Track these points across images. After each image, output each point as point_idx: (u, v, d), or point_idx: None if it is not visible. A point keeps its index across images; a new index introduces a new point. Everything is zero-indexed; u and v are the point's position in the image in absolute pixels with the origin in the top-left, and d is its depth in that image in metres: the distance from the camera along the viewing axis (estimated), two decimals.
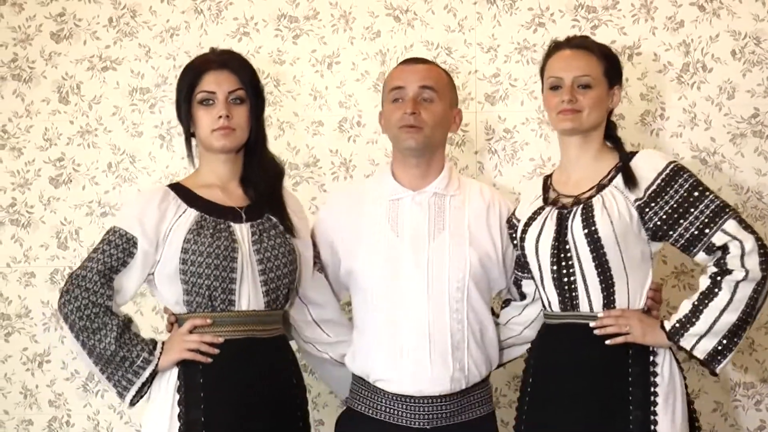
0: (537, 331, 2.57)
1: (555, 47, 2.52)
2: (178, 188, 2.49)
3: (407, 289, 2.48)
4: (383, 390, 2.50)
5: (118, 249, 2.39)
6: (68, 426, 3.25)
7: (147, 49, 3.26)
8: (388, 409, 2.50)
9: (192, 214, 2.42)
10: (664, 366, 2.36)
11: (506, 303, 2.68)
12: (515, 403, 2.58)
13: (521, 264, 2.57)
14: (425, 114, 2.51)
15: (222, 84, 2.45)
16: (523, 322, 2.63)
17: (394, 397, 2.48)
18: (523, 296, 2.63)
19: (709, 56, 3.09)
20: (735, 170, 3.07)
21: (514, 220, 2.57)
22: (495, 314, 2.66)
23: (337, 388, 2.77)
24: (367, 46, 3.20)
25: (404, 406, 2.48)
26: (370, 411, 2.52)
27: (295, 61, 3.22)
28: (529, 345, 2.59)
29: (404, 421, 2.48)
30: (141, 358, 2.39)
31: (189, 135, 2.52)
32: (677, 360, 2.41)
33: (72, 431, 3.25)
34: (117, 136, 3.26)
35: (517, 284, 2.62)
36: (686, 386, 2.42)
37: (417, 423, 2.48)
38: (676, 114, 3.09)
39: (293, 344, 2.63)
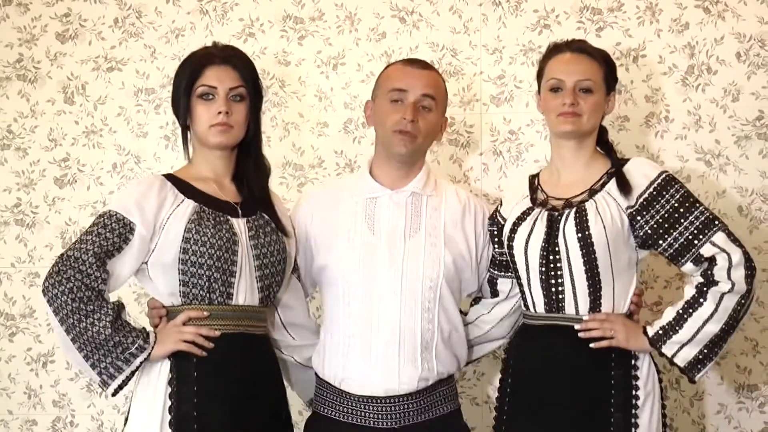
0: (504, 329, 2.63)
1: (554, 49, 2.52)
2: (173, 179, 2.45)
3: (380, 288, 2.47)
4: (348, 392, 2.48)
5: (113, 233, 2.33)
6: (72, 426, 3.25)
7: (152, 50, 3.27)
8: (355, 411, 2.48)
9: (190, 204, 2.39)
10: (644, 369, 2.39)
11: (476, 300, 2.69)
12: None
13: (498, 263, 2.59)
14: (422, 123, 2.51)
15: (223, 80, 2.44)
16: (491, 320, 2.64)
17: (361, 399, 2.47)
18: (495, 294, 2.64)
19: (714, 58, 3.09)
20: (739, 173, 3.07)
21: (499, 218, 2.57)
22: (463, 312, 2.66)
23: (300, 391, 2.73)
24: (373, 48, 3.21)
25: (371, 407, 2.47)
26: (337, 414, 2.50)
27: (300, 62, 3.23)
28: (497, 342, 2.65)
29: (372, 422, 2.47)
30: (136, 345, 2.32)
31: (185, 127, 2.50)
32: (655, 363, 2.43)
33: (76, 431, 3.25)
34: (122, 136, 3.27)
35: (492, 282, 2.63)
36: (662, 389, 2.45)
37: (385, 423, 2.46)
38: (680, 116, 3.10)
39: None
